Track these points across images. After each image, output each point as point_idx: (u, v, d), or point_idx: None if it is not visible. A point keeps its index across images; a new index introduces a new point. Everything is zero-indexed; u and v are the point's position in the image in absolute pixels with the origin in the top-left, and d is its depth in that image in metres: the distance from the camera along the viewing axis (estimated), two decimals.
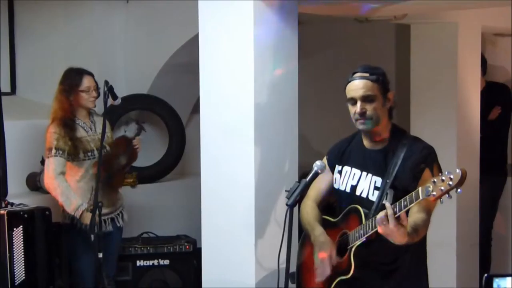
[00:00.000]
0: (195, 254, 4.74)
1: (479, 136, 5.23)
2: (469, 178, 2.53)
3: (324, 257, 2.96)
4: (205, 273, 3.79)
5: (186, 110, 5.74)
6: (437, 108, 5.01)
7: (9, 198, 4.12)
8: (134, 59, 5.47)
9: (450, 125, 4.97)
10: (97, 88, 4.29)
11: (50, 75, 4.73)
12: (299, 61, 3.79)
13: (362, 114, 2.88)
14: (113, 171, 4.33)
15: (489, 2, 4.40)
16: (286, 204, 2.90)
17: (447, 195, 2.54)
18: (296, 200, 2.91)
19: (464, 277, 5.07)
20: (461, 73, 4.99)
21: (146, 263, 4.90)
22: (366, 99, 2.88)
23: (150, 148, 5.34)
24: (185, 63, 5.07)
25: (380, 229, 2.70)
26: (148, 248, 4.90)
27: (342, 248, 2.97)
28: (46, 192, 4.37)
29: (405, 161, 2.87)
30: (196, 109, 5.22)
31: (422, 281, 3.04)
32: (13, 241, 3.79)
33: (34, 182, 4.89)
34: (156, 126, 5.63)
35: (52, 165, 4.15)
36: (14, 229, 3.80)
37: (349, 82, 2.93)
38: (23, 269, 3.82)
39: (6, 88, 5.32)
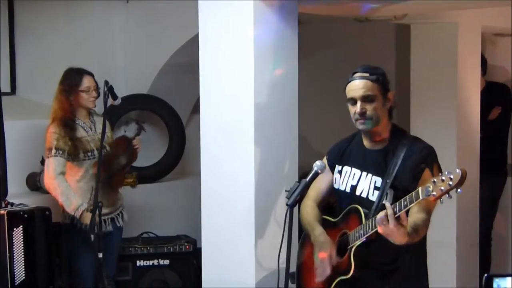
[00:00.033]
0: (195, 254, 4.74)
1: (479, 136, 5.22)
2: (469, 178, 2.53)
3: (324, 257, 2.96)
4: (205, 273, 3.79)
5: (186, 110, 5.74)
6: (437, 108, 5.01)
7: (9, 198, 4.12)
8: (134, 59, 5.47)
9: (450, 125, 4.97)
10: (97, 88, 4.29)
11: (50, 75, 4.73)
12: (299, 61, 3.78)
13: (362, 114, 2.88)
14: (113, 171, 4.33)
15: (489, 2, 4.40)
16: (286, 204, 2.90)
17: (447, 195, 2.54)
18: (296, 200, 2.91)
19: (464, 277, 5.07)
20: (461, 73, 4.99)
21: (146, 263, 4.90)
22: (366, 99, 2.88)
23: (150, 148, 5.34)
24: (185, 63, 5.07)
25: (380, 229, 2.70)
26: (148, 248, 4.90)
27: (342, 248, 2.97)
28: (46, 192, 4.37)
29: (405, 161, 2.87)
30: (196, 109, 5.22)
31: (422, 281, 3.04)
32: (13, 241, 3.79)
33: (34, 182, 4.89)
34: (156, 126, 5.63)
35: (52, 165, 4.15)
36: (14, 229, 3.80)
37: (349, 82, 2.93)
38: (23, 269, 3.82)
39: (6, 88, 5.32)
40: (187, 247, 4.96)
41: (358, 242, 2.86)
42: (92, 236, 3.94)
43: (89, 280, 4.23)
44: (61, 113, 4.23)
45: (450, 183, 2.50)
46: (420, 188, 2.61)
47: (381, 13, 4.49)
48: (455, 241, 4.99)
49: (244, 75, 3.56)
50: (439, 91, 5.02)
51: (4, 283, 3.77)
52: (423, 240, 2.94)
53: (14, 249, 3.79)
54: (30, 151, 4.90)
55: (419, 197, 2.60)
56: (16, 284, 3.80)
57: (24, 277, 3.83)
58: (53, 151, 4.15)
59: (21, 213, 3.86)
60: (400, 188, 2.83)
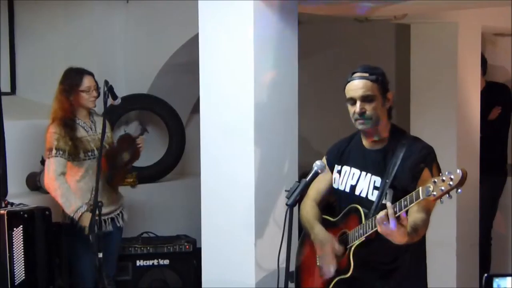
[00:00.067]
0: (195, 254, 4.74)
1: (479, 136, 5.22)
2: (469, 178, 2.53)
3: (326, 252, 2.95)
4: (205, 273, 3.79)
5: (186, 110, 5.74)
6: (437, 108, 5.01)
7: (9, 198, 4.12)
8: (134, 59, 5.47)
9: (450, 125, 4.97)
10: (97, 88, 4.29)
11: (50, 75, 4.73)
12: (299, 61, 3.79)
13: (362, 114, 2.88)
14: (116, 166, 4.33)
15: (489, 2, 4.40)
16: (286, 204, 2.91)
17: (447, 195, 2.54)
18: (296, 200, 2.91)
19: (464, 277, 5.07)
20: (461, 73, 4.99)
21: (146, 263, 4.90)
22: (365, 99, 2.89)
23: (150, 148, 5.33)
24: (185, 63, 5.07)
25: (380, 229, 2.70)
26: (148, 248, 4.90)
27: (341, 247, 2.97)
28: (46, 192, 4.36)
29: (405, 161, 2.87)
30: (196, 109, 5.22)
31: (421, 280, 3.04)
32: (13, 241, 3.79)
33: (34, 182, 4.89)
34: (156, 126, 5.63)
35: (53, 165, 4.15)
36: (14, 229, 3.80)
37: (349, 82, 2.94)
38: (23, 269, 3.82)
39: (6, 88, 5.32)
40: (187, 247, 4.95)
41: (357, 242, 2.87)
42: (91, 237, 3.94)
43: (89, 280, 4.23)
44: (61, 113, 4.22)
45: (451, 183, 2.51)
46: (420, 188, 2.61)
47: (381, 13, 4.49)
48: (455, 241, 4.99)
49: (244, 75, 3.56)
50: (439, 91, 5.01)
51: (4, 283, 3.77)
52: (423, 240, 2.94)
53: (14, 249, 3.79)
54: (30, 151, 4.90)
55: (419, 197, 2.60)
56: (16, 284, 3.80)
57: (24, 277, 3.83)
58: (54, 151, 4.15)
59: (21, 213, 3.86)
60: (399, 188, 2.83)
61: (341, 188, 3.06)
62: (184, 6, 4.79)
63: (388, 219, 2.65)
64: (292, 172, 3.74)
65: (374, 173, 2.94)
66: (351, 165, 3.04)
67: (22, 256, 3.82)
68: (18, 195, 4.49)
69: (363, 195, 2.96)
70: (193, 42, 4.22)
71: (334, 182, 3.11)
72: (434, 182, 2.55)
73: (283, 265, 2.97)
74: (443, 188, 2.52)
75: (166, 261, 4.93)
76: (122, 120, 5.42)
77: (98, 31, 5.45)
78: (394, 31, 6.00)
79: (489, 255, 5.68)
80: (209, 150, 3.75)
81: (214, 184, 3.73)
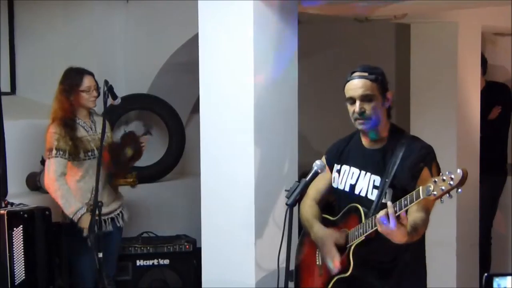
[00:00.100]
0: (195, 254, 4.74)
1: (479, 135, 5.22)
2: (469, 177, 2.54)
3: (329, 247, 2.95)
4: (205, 273, 3.79)
5: (186, 110, 5.74)
6: (437, 108, 5.00)
7: (9, 198, 4.12)
8: (134, 59, 5.47)
9: (450, 125, 4.97)
10: (97, 88, 4.29)
11: (50, 75, 4.73)
12: (299, 61, 3.78)
13: (361, 113, 2.89)
14: (119, 162, 4.33)
15: (489, 1, 4.40)
16: (286, 204, 2.91)
17: (447, 195, 2.54)
18: (296, 200, 2.91)
19: (464, 277, 5.07)
20: (461, 73, 4.99)
21: (146, 262, 4.90)
22: (365, 98, 2.89)
23: (150, 148, 5.32)
24: (185, 62, 5.07)
25: (380, 228, 2.70)
26: (148, 247, 4.90)
27: (341, 246, 2.97)
28: (46, 192, 4.36)
29: (404, 160, 2.87)
30: (196, 109, 5.22)
31: (421, 280, 3.05)
32: (13, 241, 3.79)
33: (34, 182, 4.89)
34: (156, 126, 5.63)
35: (53, 166, 4.14)
36: (14, 229, 3.80)
37: (348, 81, 2.94)
38: (23, 269, 3.82)
39: (6, 88, 5.33)
40: (187, 246, 4.96)
41: (357, 241, 2.87)
42: (89, 241, 3.95)
43: (89, 280, 4.23)
44: (62, 113, 4.22)
45: (451, 183, 2.51)
46: (421, 188, 2.61)
47: (381, 13, 4.49)
48: (455, 241, 4.99)
49: (244, 75, 3.56)
50: (439, 91, 5.01)
51: (4, 283, 3.77)
52: (422, 239, 2.94)
53: (14, 249, 3.79)
54: (30, 151, 4.90)
55: (419, 197, 2.61)
56: (16, 284, 3.80)
57: (24, 277, 3.83)
58: (54, 151, 4.15)
59: (21, 213, 3.86)
60: (399, 187, 2.84)
61: (341, 187, 3.06)
62: (184, 6, 4.79)
63: (389, 218, 2.66)
64: (292, 172, 3.74)
65: (374, 172, 2.95)
66: (351, 164, 3.05)
67: (22, 256, 3.82)
68: (18, 195, 4.49)
69: (363, 194, 2.96)
70: (193, 42, 4.22)
71: (334, 182, 3.11)
72: (435, 181, 2.55)
73: (283, 265, 2.97)
74: (443, 187, 2.52)
75: (166, 261, 4.93)
76: (122, 120, 5.42)
77: (98, 31, 5.45)
78: (394, 31, 6.00)
79: (489, 254, 5.68)
80: (209, 150, 3.75)
81: (214, 184, 3.73)
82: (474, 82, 5.16)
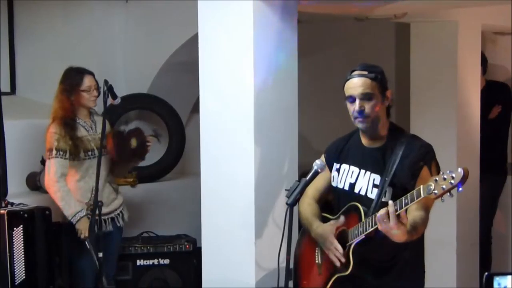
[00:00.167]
0: (195, 253, 4.75)
1: (479, 135, 5.22)
2: (469, 177, 2.54)
3: (330, 241, 2.94)
4: (205, 273, 3.79)
5: (186, 109, 5.74)
6: (437, 107, 5.00)
7: (9, 198, 4.12)
8: (134, 59, 5.47)
9: (450, 125, 4.97)
10: (97, 88, 4.29)
11: (50, 75, 4.73)
12: (299, 61, 3.78)
13: (361, 112, 2.89)
14: (123, 154, 4.32)
15: (489, 0, 4.40)
16: (286, 203, 2.91)
17: (448, 193, 2.54)
18: (296, 199, 2.91)
19: (465, 276, 5.07)
20: (461, 72, 4.99)
21: (146, 262, 4.90)
22: (364, 97, 2.89)
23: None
24: (185, 62, 5.07)
25: (380, 227, 2.70)
26: (148, 247, 4.90)
27: (341, 245, 2.97)
28: (46, 191, 4.36)
29: (404, 159, 2.87)
30: (196, 108, 5.21)
31: (420, 278, 3.05)
32: (13, 241, 3.79)
33: (34, 182, 4.89)
34: (156, 126, 5.62)
35: (54, 167, 4.14)
36: (14, 228, 3.80)
37: (348, 80, 2.94)
38: (23, 269, 3.82)
39: (6, 88, 5.32)
40: (187, 246, 4.96)
41: (357, 240, 2.87)
42: (87, 243, 3.95)
43: (89, 280, 4.23)
44: (62, 113, 4.22)
45: (452, 181, 2.51)
46: (421, 186, 2.61)
47: (381, 12, 4.49)
48: (455, 240, 4.99)
49: (244, 75, 3.56)
50: (439, 90, 5.01)
51: (4, 282, 3.77)
52: (422, 238, 2.94)
53: (14, 249, 3.79)
54: (30, 151, 4.90)
55: (420, 195, 2.61)
56: (16, 283, 3.80)
57: (24, 277, 3.83)
58: (54, 152, 4.14)
59: (21, 212, 3.86)
60: (398, 185, 2.84)
61: (340, 186, 3.06)
62: (184, 6, 4.79)
63: (389, 217, 2.66)
64: (292, 172, 3.74)
65: (373, 171, 2.95)
66: (350, 163, 3.05)
67: (22, 256, 3.82)
68: (18, 195, 4.49)
69: (362, 193, 2.96)
70: (193, 42, 4.23)
71: (333, 180, 3.11)
72: (436, 180, 2.55)
73: (283, 264, 2.97)
74: (444, 186, 2.52)
75: (166, 261, 4.93)
76: (122, 120, 5.41)
77: (98, 31, 5.45)
78: (394, 30, 5.99)
79: (489, 254, 5.68)
80: (209, 150, 3.75)
81: (214, 184, 3.73)
82: (474, 81, 5.15)
